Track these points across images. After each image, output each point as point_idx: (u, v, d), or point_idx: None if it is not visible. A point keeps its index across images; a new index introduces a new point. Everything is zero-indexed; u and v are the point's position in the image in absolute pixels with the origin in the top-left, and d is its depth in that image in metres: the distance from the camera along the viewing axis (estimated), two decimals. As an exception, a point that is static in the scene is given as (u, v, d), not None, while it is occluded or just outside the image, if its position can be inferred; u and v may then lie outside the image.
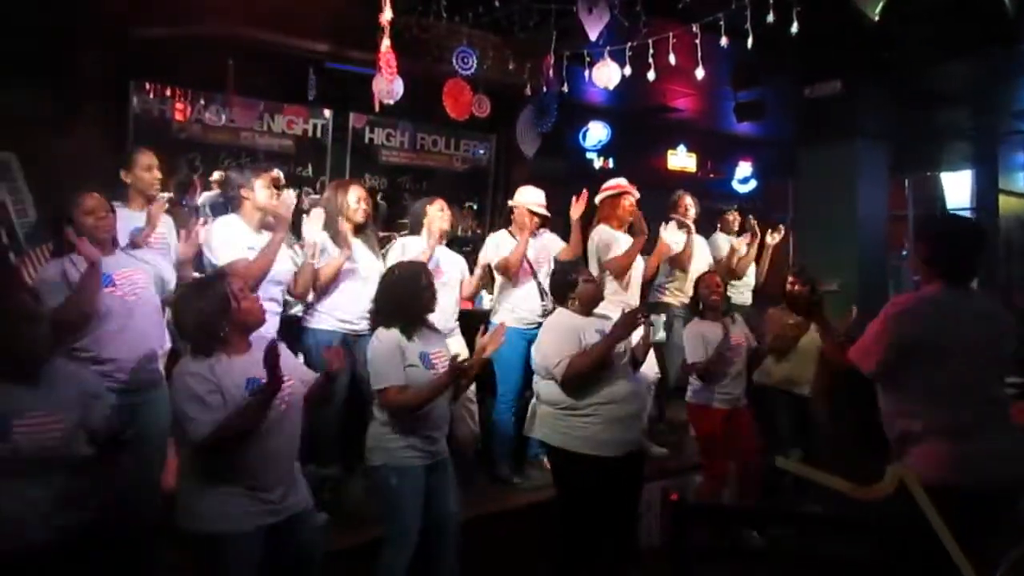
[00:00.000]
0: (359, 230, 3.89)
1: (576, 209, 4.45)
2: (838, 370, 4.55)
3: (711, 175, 9.37)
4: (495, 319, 4.33)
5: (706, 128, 8.85)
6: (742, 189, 9.56)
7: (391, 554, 2.95)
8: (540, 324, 4.28)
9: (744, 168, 9.56)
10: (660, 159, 8.95)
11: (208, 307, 2.44)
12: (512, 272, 4.39)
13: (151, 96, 5.23)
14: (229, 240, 3.45)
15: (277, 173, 4.39)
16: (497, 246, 4.52)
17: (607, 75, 4.62)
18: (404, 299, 3.02)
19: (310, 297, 3.97)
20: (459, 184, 6.55)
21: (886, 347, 2.55)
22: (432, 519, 3.00)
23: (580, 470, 3.27)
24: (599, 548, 3.32)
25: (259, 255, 3.38)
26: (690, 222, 5.19)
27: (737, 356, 4.24)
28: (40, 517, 2.24)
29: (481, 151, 6.69)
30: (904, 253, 10.24)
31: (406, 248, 4.10)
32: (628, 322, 3.34)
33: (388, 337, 2.96)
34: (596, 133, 8.09)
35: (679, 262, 5.13)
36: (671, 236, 5.01)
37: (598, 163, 8.28)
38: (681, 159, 9.13)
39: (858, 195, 6.62)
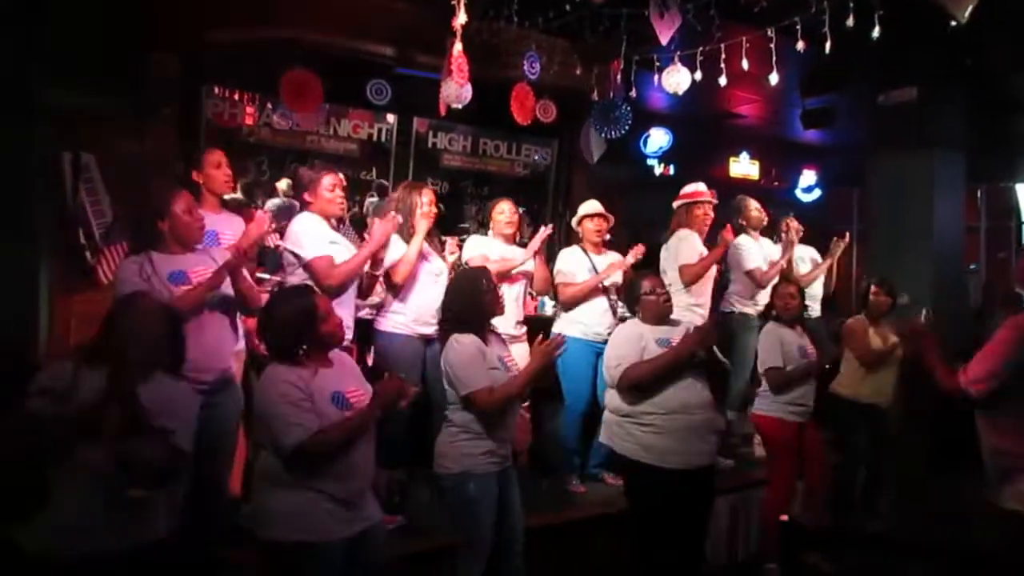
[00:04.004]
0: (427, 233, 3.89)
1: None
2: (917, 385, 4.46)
3: (775, 183, 9.17)
4: (558, 329, 4.30)
5: (770, 135, 8.68)
6: (806, 198, 9.34)
7: (467, 562, 2.92)
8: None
9: (808, 176, 9.34)
10: (722, 166, 8.79)
11: (294, 317, 2.45)
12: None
13: (222, 100, 5.32)
14: (314, 233, 3.46)
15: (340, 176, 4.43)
16: (570, 263, 4.46)
17: (677, 80, 4.54)
18: (469, 303, 3.01)
19: (375, 299, 3.99)
20: (519, 189, 6.52)
21: (1005, 367, 2.48)
22: (500, 525, 2.97)
23: (644, 479, 3.24)
24: (667, 563, 3.24)
25: (345, 264, 3.41)
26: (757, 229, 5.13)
27: (812, 367, 4.10)
28: (151, 523, 2.22)
29: (542, 156, 6.65)
30: (972, 266, 9.87)
31: (477, 242, 4.18)
32: (699, 338, 3.28)
33: (468, 341, 2.94)
34: (657, 139, 7.98)
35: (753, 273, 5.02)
36: (746, 246, 4.95)
37: (659, 169, 8.17)
38: (743, 166, 8.96)
39: (933, 206, 6.37)
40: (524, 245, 4.39)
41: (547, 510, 3.90)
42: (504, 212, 4.24)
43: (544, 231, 4.28)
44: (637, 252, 4.48)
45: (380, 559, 2.60)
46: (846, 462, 4.40)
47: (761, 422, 4.18)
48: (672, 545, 3.27)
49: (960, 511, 4.30)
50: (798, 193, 9.35)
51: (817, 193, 9.42)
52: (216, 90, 5.31)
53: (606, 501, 4.06)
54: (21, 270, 4.45)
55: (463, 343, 2.93)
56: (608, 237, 4.58)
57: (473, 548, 2.93)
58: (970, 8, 3.69)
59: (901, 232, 6.49)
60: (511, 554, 3.03)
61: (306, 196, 3.64)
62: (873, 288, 4.49)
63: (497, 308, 3.08)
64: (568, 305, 4.39)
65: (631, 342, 3.32)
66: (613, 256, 4.54)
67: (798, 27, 4.06)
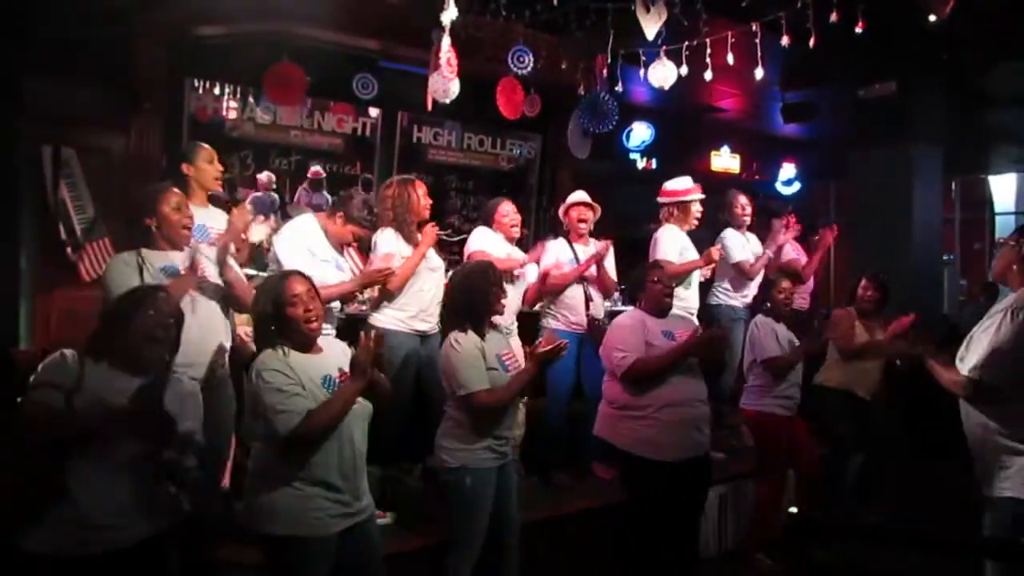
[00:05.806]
0: (420, 227, 3.87)
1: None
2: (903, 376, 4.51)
3: (756, 176, 9.27)
4: (545, 322, 4.31)
5: (751, 129, 8.76)
6: (786, 191, 9.45)
7: (459, 556, 2.92)
8: (592, 326, 4.26)
9: (788, 170, 9.45)
10: (703, 160, 8.86)
11: (277, 301, 2.44)
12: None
13: (205, 94, 5.26)
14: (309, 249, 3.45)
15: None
16: (558, 254, 4.42)
17: (663, 75, 4.55)
18: (474, 297, 2.98)
19: (366, 295, 3.98)
20: (504, 183, 6.52)
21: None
22: (496, 520, 2.96)
23: (641, 473, 3.24)
24: (662, 555, 3.26)
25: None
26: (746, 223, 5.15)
27: (803, 349, 4.09)
28: (138, 518, 2.18)
29: (527, 151, 6.66)
30: (947, 257, 10.05)
31: (484, 237, 4.09)
32: (706, 343, 3.37)
33: (468, 341, 2.91)
34: (639, 133, 8.02)
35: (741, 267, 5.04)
36: (733, 240, 4.98)
37: (641, 163, 8.22)
38: (725, 160, 9.04)
39: (913, 199, 6.47)
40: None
41: (535, 504, 3.90)
42: (508, 214, 4.21)
43: (601, 245, 4.30)
44: (603, 248, 4.37)
45: (374, 553, 2.58)
46: (833, 452, 4.42)
47: (754, 417, 4.15)
48: (669, 536, 3.30)
49: (949, 500, 4.38)
50: (778, 186, 9.46)
51: (797, 186, 9.53)
52: (197, 83, 5.25)
53: (595, 493, 4.07)
54: (2, 265, 4.40)
55: (463, 343, 2.90)
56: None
57: (466, 541, 2.93)
58: (948, 5, 3.75)
59: (880, 224, 6.59)
60: (505, 547, 3.03)
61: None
62: (863, 283, 4.39)
63: (499, 306, 3.04)
64: (550, 295, 4.37)
65: (636, 332, 3.33)
66: (595, 244, 4.44)
67: (783, 22, 4.10)
